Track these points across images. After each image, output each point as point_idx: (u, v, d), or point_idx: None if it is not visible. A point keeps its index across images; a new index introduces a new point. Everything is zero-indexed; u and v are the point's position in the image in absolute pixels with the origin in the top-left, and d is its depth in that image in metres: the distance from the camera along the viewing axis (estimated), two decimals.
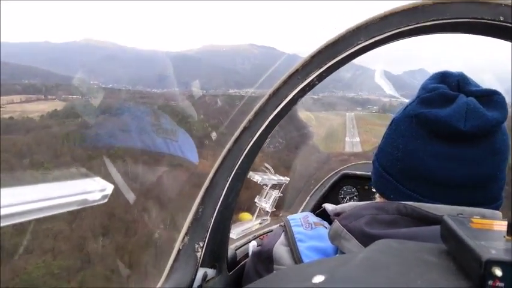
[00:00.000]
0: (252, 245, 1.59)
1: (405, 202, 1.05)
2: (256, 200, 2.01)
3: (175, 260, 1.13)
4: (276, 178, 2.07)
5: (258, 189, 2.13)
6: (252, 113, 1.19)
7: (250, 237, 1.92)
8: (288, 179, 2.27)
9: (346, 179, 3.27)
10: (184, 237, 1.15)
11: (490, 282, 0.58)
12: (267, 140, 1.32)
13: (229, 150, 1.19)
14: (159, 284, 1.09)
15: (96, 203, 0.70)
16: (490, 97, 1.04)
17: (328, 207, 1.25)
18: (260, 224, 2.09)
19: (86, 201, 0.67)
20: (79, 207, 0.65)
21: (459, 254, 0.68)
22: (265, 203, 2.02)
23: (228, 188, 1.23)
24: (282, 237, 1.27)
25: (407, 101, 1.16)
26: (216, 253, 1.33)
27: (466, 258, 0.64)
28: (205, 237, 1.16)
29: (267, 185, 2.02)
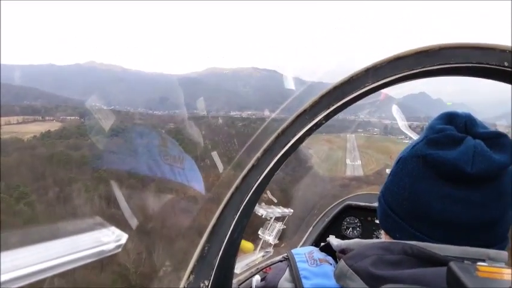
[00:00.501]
0: (256, 280, 1.58)
1: (411, 242, 1.05)
2: (259, 232, 2.01)
3: None
4: (280, 211, 2.08)
5: (260, 219, 2.13)
6: (261, 151, 1.21)
7: (253, 270, 1.90)
8: (292, 210, 2.27)
9: (349, 210, 3.26)
10: (189, 276, 1.15)
11: None
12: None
13: (237, 187, 1.20)
14: None
15: (111, 253, 0.71)
16: (497, 139, 1.05)
17: (333, 242, 1.25)
18: (263, 256, 2.08)
19: (103, 253, 0.68)
20: (96, 259, 0.66)
21: None
22: (269, 235, 2.02)
23: (234, 224, 1.23)
24: (287, 273, 1.27)
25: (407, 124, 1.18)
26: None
27: None
28: (211, 276, 1.15)
29: (270, 218, 2.03)
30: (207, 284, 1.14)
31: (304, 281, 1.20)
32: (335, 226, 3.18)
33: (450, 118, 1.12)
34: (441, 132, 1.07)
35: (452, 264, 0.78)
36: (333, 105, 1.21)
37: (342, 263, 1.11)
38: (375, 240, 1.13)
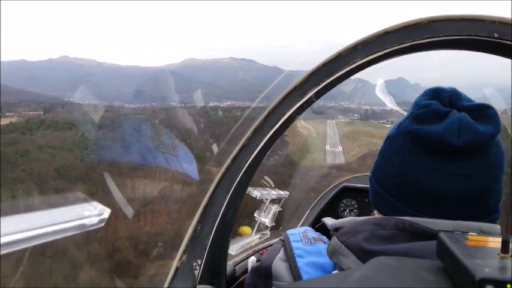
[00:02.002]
0: (251, 261, 1.60)
1: (403, 217, 1.07)
2: (255, 214, 2.02)
3: (173, 278, 1.14)
4: (276, 193, 2.09)
5: (257, 202, 2.14)
6: (250, 130, 1.21)
7: (250, 252, 1.92)
8: (288, 193, 2.28)
9: (346, 192, 3.29)
10: (182, 255, 1.16)
11: None
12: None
13: (228, 168, 1.21)
14: None
15: (93, 227, 0.71)
16: (482, 111, 1.06)
17: (328, 221, 1.26)
18: (260, 238, 2.10)
19: (84, 226, 0.69)
20: (77, 232, 0.67)
21: (454, 271, 0.69)
22: (265, 217, 2.03)
23: (226, 205, 1.24)
24: (281, 252, 1.28)
25: (387, 109, 1.19)
26: (215, 270, 1.34)
27: (460, 276, 0.66)
28: (204, 255, 1.17)
29: (266, 200, 2.04)
30: (199, 263, 1.16)
31: (298, 259, 1.22)
32: (332, 208, 3.21)
33: (435, 93, 1.13)
34: (426, 108, 1.08)
35: (442, 235, 0.79)
36: (323, 82, 1.20)
37: (334, 239, 1.12)
38: (368, 218, 1.15)
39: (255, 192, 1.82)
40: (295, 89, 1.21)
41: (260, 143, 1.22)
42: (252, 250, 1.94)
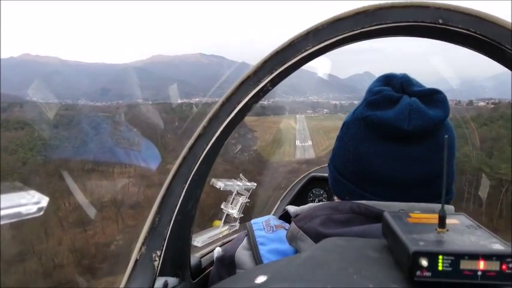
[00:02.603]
0: (217, 251, 1.61)
1: (359, 201, 1.09)
2: (222, 206, 2.03)
3: (132, 270, 1.13)
4: (242, 184, 2.10)
5: (226, 195, 2.15)
6: (206, 119, 1.22)
7: (218, 244, 1.93)
8: (255, 184, 2.29)
9: (314, 182, 3.34)
10: (141, 247, 1.16)
11: (418, 273, 0.63)
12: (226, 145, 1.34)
13: (185, 157, 1.20)
14: None
15: (31, 216, 0.70)
16: (432, 96, 1.10)
17: (290, 209, 1.29)
18: (229, 230, 2.10)
19: (20, 214, 0.67)
20: (13, 220, 0.65)
21: (395, 247, 0.72)
22: (232, 209, 2.04)
23: (185, 195, 1.24)
24: (245, 241, 1.30)
25: (355, 102, 1.22)
26: (178, 261, 1.34)
27: (399, 251, 0.68)
28: (163, 246, 1.17)
29: (232, 191, 2.04)
30: (159, 254, 1.16)
31: (260, 247, 1.23)
32: (301, 198, 3.26)
33: (387, 80, 1.17)
34: (379, 94, 1.11)
35: (386, 214, 0.82)
36: (276, 70, 1.21)
37: (292, 225, 1.15)
38: (325, 203, 1.17)
39: (219, 184, 1.82)
40: (249, 77, 1.22)
41: (216, 132, 1.22)
42: (220, 242, 1.94)
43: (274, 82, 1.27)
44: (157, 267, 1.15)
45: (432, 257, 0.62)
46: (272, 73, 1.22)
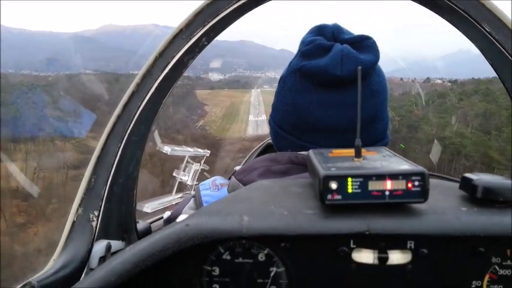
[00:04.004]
0: (166, 214, 1.61)
1: (298, 152, 1.11)
2: (174, 173, 2.01)
3: (70, 232, 1.11)
4: (193, 150, 2.08)
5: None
6: (139, 76, 1.19)
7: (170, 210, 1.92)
8: (208, 151, 2.28)
9: (271, 148, 3.37)
10: (78, 209, 1.13)
11: (329, 196, 0.65)
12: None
13: (119, 116, 1.18)
14: (54, 257, 1.07)
15: None
16: (363, 42, 1.13)
17: (237, 168, 1.29)
18: (181, 197, 2.10)
19: None
20: None
21: (313, 179, 0.74)
22: (184, 176, 2.03)
23: (124, 156, 1.21)
24: (191, 202, 1.31)
25: None
26: (123, 225, 1.32)
27: (315, 181, 0.70)
28: (101, 207, 1.15)
29: (183, 158, 2.03)
30: (96, 214, 1.14)
31: (205, 205, 1.24)
32: None
33: (319, 30, 1.18)
34: (311, 44, 1.13)
35: (310, 151, 0.83)
36: (209, 22, 1.19)
37: (232, 179, 1.16)
38: (264, 155, 1.19)
39: (166, 148, 1.81)
40: (181, 31, 1.19)
41: (151, 89, 1.19)
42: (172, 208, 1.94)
43: (209, 36, 1.25)
44: (96, 227, 1.13)
45: (341, 180, 0.64)
46: (205, 26, 1.19)
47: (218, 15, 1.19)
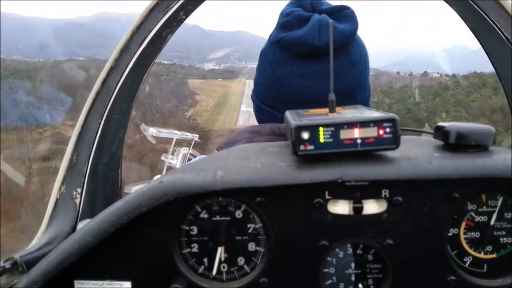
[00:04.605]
0: None
1: (279, 124, 1.11)
2: (162, 157, 2.01)
3: (53, 210, 1.11)
4: (180, 133, 2.08)
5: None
6: (117, 50, 1.17)
7: None
8: (197, 135, 2.28)
9: None
10: (60, 187, 1.13)
11: (302, 147, 0.65)
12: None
13: (98, 92, 1.17)
14: (38, 234, 1.07)
15: None
16: (341, 12, 1.13)
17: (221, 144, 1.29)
18: None
19: None
20: None
21: (288, 135, 0.73)
22: (173, 159, 2.03)
23: (106, 134, 1.21)
24: None
25: None
26: (109, 205, 1.32)
27: (288, 134, 0.70)
28: (83, 183, 1.14)
29: (170, 141, 2.03)
30: (79, 191, 1.13)
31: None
32: None
33: (298, 1, 1.18)
34: (290, 15, 1.13)
35: (287, 112, 0.83)
36: None
37: (215, 152, 1.15)
38: (246, 127, 1.19)
39: (151, 130, 1.80)
40: (157, 3, 1.18)
41: (129, 64, 1.18)
42: None
43: (187, 10, 1.24)
44: (79, 205, 1.13)
45: (313, 129, 0.64)
46: None
47: None
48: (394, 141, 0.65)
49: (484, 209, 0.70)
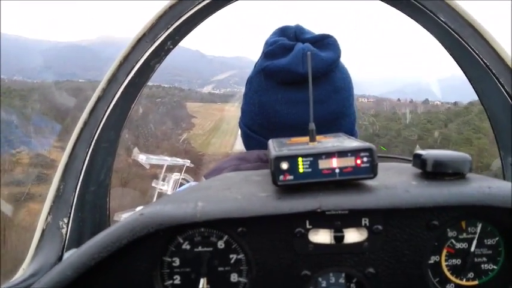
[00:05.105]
0: None
1: (266, 150, 1.13)
2: (153, 184, 2.01)
3: (39, 241, 1.10)
4: (170, 159, 2.09)
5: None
6: (104, 81, 1.20)
7: None
8: (188, 161, 2.28)
9: None
10: (47, 217, 1.13)
11: (281, 177, 0.66)
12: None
13: (85, 122, 1.18)
14: (23, 266, 1.06)
15: None
16: (323, 41, 1.17)
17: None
18: None
19: None
20: None
21: (269, 164, 0.75)
22: (163, 185, 2.03)
23: (94, 163, 1.22)
24: None
25: None
26: (98, 233, 1.32)
27: (269, 165, 0.71)
28: (70, 213, 1.14)
29: (161, 167, 2.03)
30: (66, 221, 1.13)
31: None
32: None
33: (282, 31, 1.23)
34: (274, 44, 1.16)
35: (270, 140, 0.85)
36: (172, 24, 1.21)
37: (202, 180, 1.17)
38: (233, 155, 1.21)
39: (141, 156, 1.81)
40: (144, 34, 1.21)
41: (116, 93, 1.20)
42: None
43: (174, 40, 1.27)
44: (66, 235, 1.13)
45: (292, 160, 0.66)
46: (168, 28, 1.21)
47: (181, 17, 1.22)
48: (371, 170, 0.66)
49: (464, 235, 0.71)
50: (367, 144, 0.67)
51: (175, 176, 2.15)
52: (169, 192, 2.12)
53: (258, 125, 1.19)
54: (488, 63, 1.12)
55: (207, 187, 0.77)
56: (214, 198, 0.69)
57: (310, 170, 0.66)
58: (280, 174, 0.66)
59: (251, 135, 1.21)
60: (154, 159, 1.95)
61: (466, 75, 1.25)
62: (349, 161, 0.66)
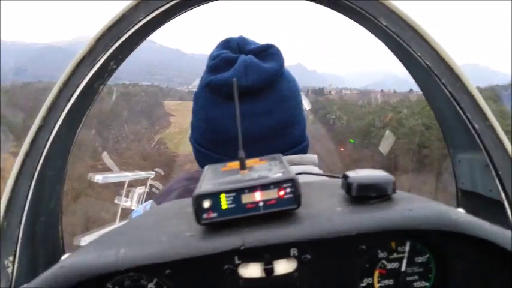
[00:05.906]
0: None
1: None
2: (115, 200, 1.98)
3: None
4: (131, 174, 2.06)
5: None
6: (44, 108, 1.17)
7: None
8: (153, 173, 2.27)
9: None
10: None
11: (205, 215, 0.66)
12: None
13: (27, 153, 1.15)
14: None
15: None
16: (266, 51, 1.17)
17: None
18: None
19: None
20: None
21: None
22: (127, 201, 2.00)
23: (36, 193, 1.19)
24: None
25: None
26: (51, 263, 1.30)
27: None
28: (15, 250, 1.12)
29: (122, 183, 2.00)
30: (11, 259, 1.11)
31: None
32: None
33: (225, 43, 1.22)
34: (217, 58, 1.16)
35: (206, 167, 0.84)
36: (111, 46, 1.19)
37: (152, 203, 1.16)
38: (182, 175, 1.21)
39: (97, 177, 1.78)
40: (84, 57, 1.19)
41: (57, 121, 1.18)
42: None
43: (117, 60, 1.26)
44: (12, 273, 1.10)
45: (215, 196, 0.66)
46: (107, 50, 1.19)
47: (120, 37, 1.20)
48: (294, 201, 0.66)
49: (395, 255, 0.72)
50: (289, 175, 0.67)
51: (140, 189, 2.15)
52: (133, 208, 2.10)
53: (207, 141, 1.19)
54: (430, 65, 1.14)
55: (136, 226, 0.77)
56: (138, 242, 0.69)
57: (233, 205, 0.66)
58: (203, 212, 0.66)
59: (202, 151, 1.21)
60: (112, 177, 1.92)
61: (412, 76, 1.27)
62: (272, 194, 0.66)
